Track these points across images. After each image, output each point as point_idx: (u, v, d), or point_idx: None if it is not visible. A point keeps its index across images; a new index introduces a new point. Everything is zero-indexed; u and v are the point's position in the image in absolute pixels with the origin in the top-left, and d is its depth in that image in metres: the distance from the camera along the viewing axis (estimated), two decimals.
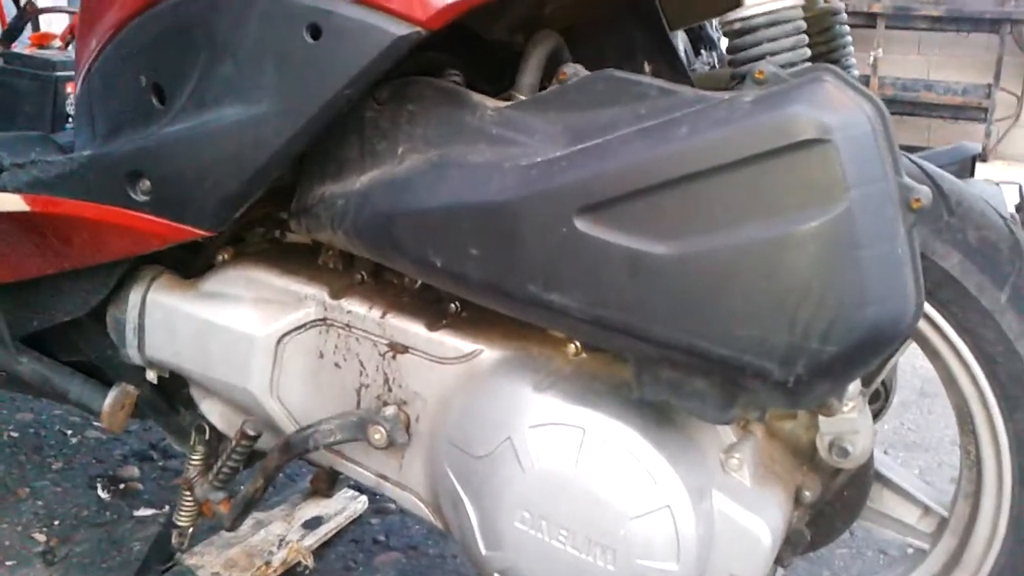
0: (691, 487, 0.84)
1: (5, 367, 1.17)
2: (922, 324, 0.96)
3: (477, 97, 0.90)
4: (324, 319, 1.02)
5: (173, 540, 1.26)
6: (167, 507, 1.81)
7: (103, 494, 1.84)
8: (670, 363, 0.79)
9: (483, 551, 0.92)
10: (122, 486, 1.88)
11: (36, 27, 1.70)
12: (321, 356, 1.03)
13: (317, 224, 0.95)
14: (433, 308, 0.98)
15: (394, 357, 0.98)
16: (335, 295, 1.01)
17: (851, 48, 1.11)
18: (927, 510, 1.08)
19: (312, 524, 1.66)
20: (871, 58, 5.75)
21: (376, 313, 0.99)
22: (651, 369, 0.81)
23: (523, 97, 0.91)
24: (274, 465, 1.01)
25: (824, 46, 1.10)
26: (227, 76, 0.90)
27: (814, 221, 0.70)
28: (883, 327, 0.72)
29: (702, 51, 1.42)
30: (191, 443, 1.18)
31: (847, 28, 1.11)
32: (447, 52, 0.99)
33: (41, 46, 1.69)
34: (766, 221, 0.71)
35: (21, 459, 1.97)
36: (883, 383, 1.13)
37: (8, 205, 0.98)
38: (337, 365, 1.02)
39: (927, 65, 6.06)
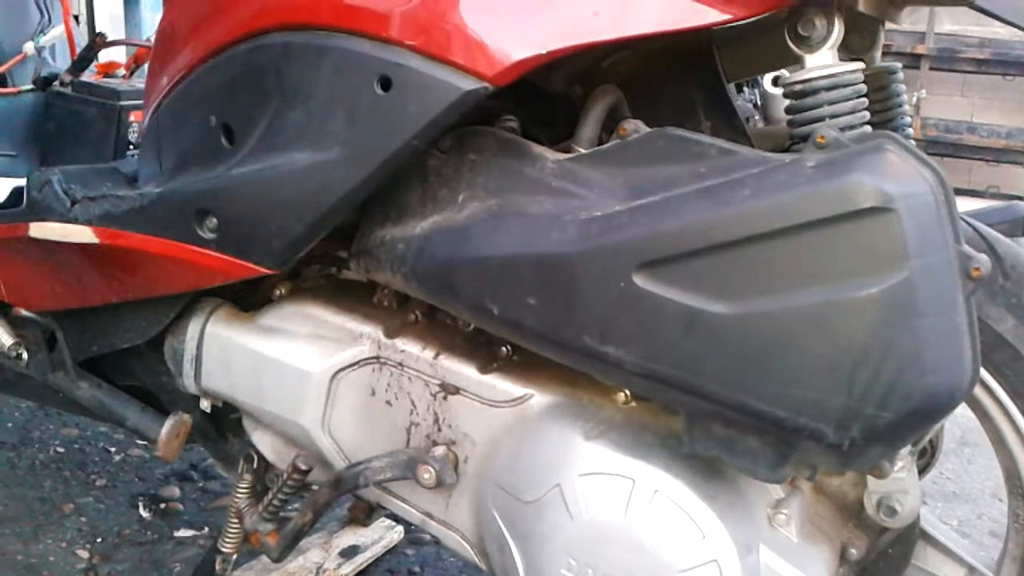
0: (739, 542, 0.84)
1: (65, 391, 1.21)
2: (981, 393, 0.96)
3: (538, 149, 0.92)
4: (377, 357, 1.04)
5: (217, 566, 1.28)
6: (206, 529, 1.84)
7: (144, 513, 1.88)
8: (723, 420, 0.80)
9: None
10: (163, 506, 1.91)
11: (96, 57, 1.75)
12: (373, 393, 1.05)
13: (376, 266, 0.97)
14: (485, 351, 0.99)
15: (445, 398, 1.00)
16: (389, 334, 1.03)
17: (906, 107, 1.12)
18: (972, 570, 1.07)
19: (349, 553, 1.68)
20: (914, 99, 5.73)
21: (429, 354, 1.01)
22: (703, 425, 0.81)
23: (582, 150, 0.92)
24: (324, 500, 1.03)
25: (880, 104, 1.11)
26: (297, 121, 0.92)
27: (875, 288, 0.71)
28: (939, 395, 0.73)
29: (744, 88, 1.43)
30: (239, 471, 1.20)
31: (903, 87, 1.12)
32: (503, 98, 1.01)
33: (106, 75, 1.75)
34: (827, 285, 0.72)
35: (66, 475, 2.01)
36: (930, 440, 1.13)
37: (78, 236, 1.02)
38: (389, 403, 1.04)
39: (971, 107, 6.02)
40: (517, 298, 0.85)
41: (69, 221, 1.04)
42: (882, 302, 0.71)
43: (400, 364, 1.02)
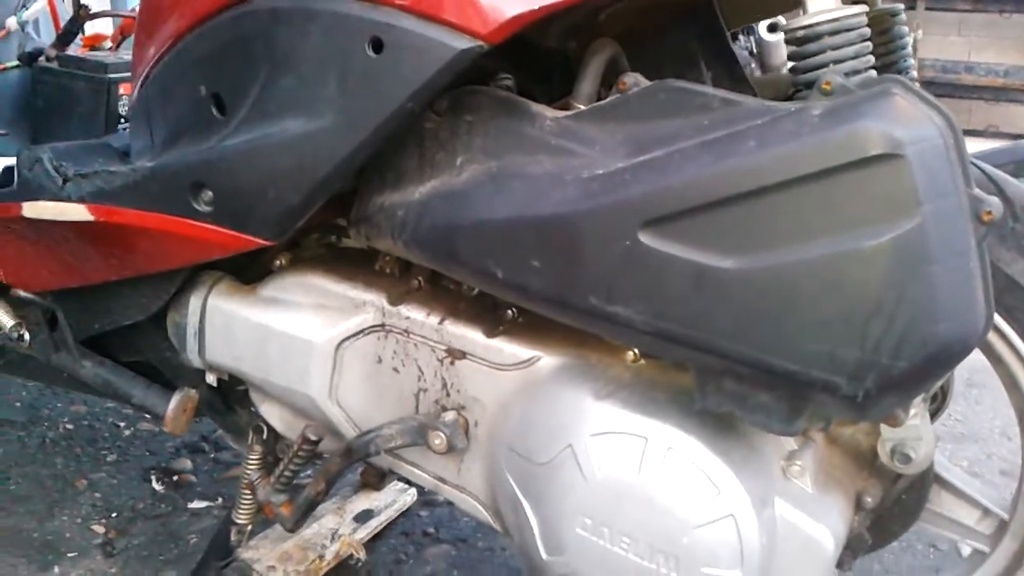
0: (754, 495, 0.84)
1: (69, 370, 1.20)
2: (995, 338, 0.95)
3: (536, 107, 0.90)
4: (382, 325, 1.03)
5: (232, 537, 1.29)
6: (220, 499, 1.85)
7: (157, 486, 1.88)
8: (734, 375, 0.79)
9: (544, 556, 0.93)
10: (175, 478, 1.92)
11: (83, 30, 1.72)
12: (380, 361, 1.04)
13: (377, 233, 0.96)
14: (490, 314, 0.98)
15: (452, 363, 0.99)
16: (393, 301, 1.02)
17: (910, 49, 1.10)
18: (986, 512, 1.07)
19: (363, 517, 1.68)
20: (911, 40, 5.64)
21: (434, 319, 1.00)
22: (715, 381, 0.81)
23: (581, 106, 0.91)
24: (336, 469, 1.03)
25: (883, 47, 1.09)
26: (288, 89, 0.91)
27: (886, 236, 0.69)
28: (954, 342, 0.72)
29: (739, 36, 1.40)
30: (248, 443, 1.20)
31: (906, 29, 1.10)
32: (497, 56, 0.99)
33: (93, 47, 1.72)
34: (837, 236, 0.71)
35: (77, 451, 2.01)
36: (940, 384, 1.12)
37: (73, 215, 1.00)
38: (396, 370, 1.03)
39: (968, 47, 5.94)
40: (521, 261, 0.84)
41: (62, 200, 1.02)
42: (894, 250, 0.69)
43: (405, 331, 1.01)
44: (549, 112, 0.89)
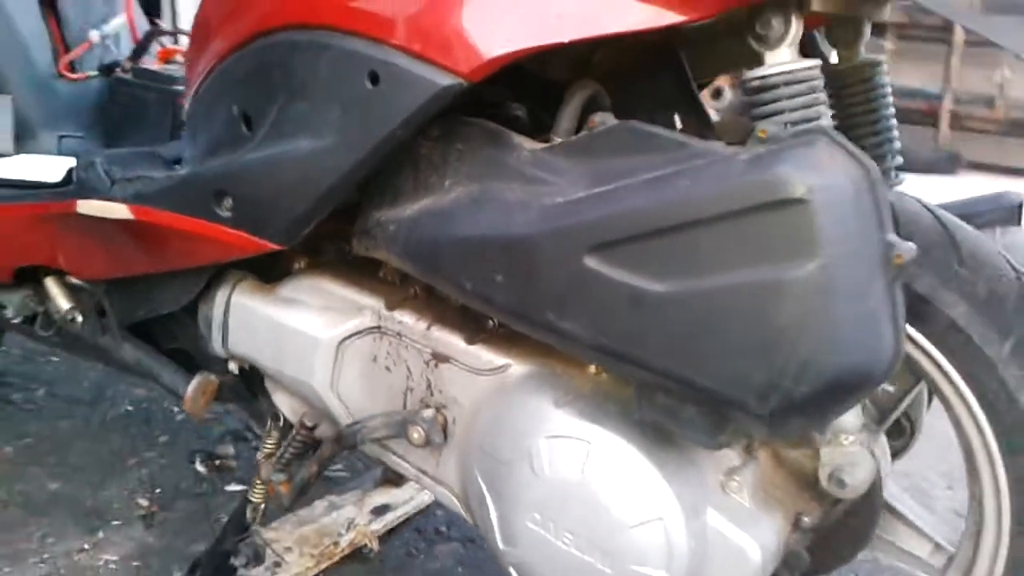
0: (684, 503, 0.92)
1: (112, 351, 1.35)
2: (933, 369, 1.00)
3: (517, 139, 1.00)
4: (379, 327, 1.14)
5: (247, 514, 1.41)
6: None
7: (200, 468, 2.02)
8: (666, 390, 0.87)
9: (501, 546, 1.02)
10: (217, 462, 2.05)
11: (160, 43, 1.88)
12: (375, 360, 1.15)
13: (374, 245, 1.07)
14: (473, 323, 1.08)
15: (436, 365, 1.09)
16: (390, 307, 1.13)
17: (890, 99, 1.16)
18: (937, 546, 1.12)
19: (380, 511, 1.79)
20: (998, 78, 5.55)
21: (423, 325, 1.10)
22: (649, 395, 0.89)
23: (559, 140, 1.00)
24: (328, 454, 1.14)
25: (863, 96, 1.15)
26: (300, 112, 1.03)
27: (790, 273, 0.77)
28: (854, 374, 0.79)
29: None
30: (266, 429, 1.32)
31: (886, 79, 1.16)
32: (512, 87, 1.09)
33: (167, 61, 1.88)
34: (750, 269, 0.79)
35: (133, 431, 2.18)
36: (908, 419, 1.17)
37: (117, 213, 1.14)
38: (388, 369, 1.14)
39: None
40: (487, 275, 0.94)
41: (109, 199, 1.17)
42: (796, 287, 0.77)
43: (398, 334, 1.12)
44: (528, 144, 0.99)
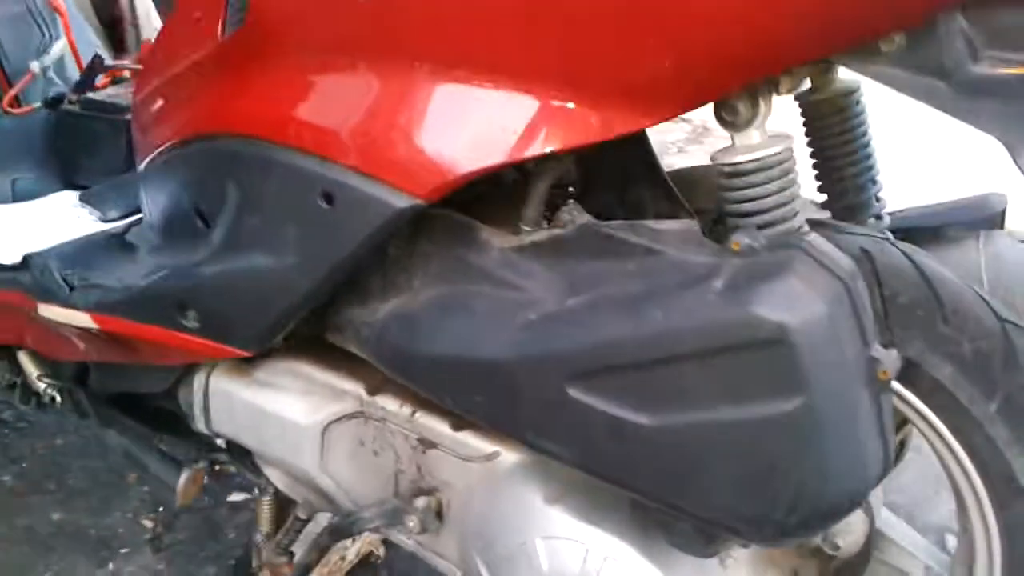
0: None
1: (96, 432, 1.33)
2: (923, 425, 1.00)
3: (485, 234, 0.96)
4: (362, 412, 1.12)
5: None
6: (256, 491, 2.01)
7: None
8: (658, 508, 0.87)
9: None
10: (216, 467, 2.08)
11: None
12: (362, 444, 1.14)
13: (345, 341, 1.05)
14: None
15: (424, 451, 1.09)
16: (371, 391, 1.11)
17: (867, 126, 1.11)
18: (929, 569, 1.14)
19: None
20: None
21: (407, 411, 1.09)
22: (643, 507, 0.89)
23: (528, 228, 0.97)
24: (325, 544, 1.14)
25: (839, 126, 1.10)
26: (256, 224, 0.98)
27: (776, 410, 0.75)
28: (844, 497, 0.79)
29: None
30: (257, 508, 1.32)
31: (863, 106, 1.11)
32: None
33: (114, 78, 1.79)
34: (735, 405, 0.77)
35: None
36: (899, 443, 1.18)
37: (80, 322, 1.11)
38: (375, 453, 1.13)
39: None
40: (466, 394, 0.92)
41: (70, 307, 1.13)
42: (784, 423, 0.76)
43: (382, 419, 1.11)
44: (496, 240, 0.96)
